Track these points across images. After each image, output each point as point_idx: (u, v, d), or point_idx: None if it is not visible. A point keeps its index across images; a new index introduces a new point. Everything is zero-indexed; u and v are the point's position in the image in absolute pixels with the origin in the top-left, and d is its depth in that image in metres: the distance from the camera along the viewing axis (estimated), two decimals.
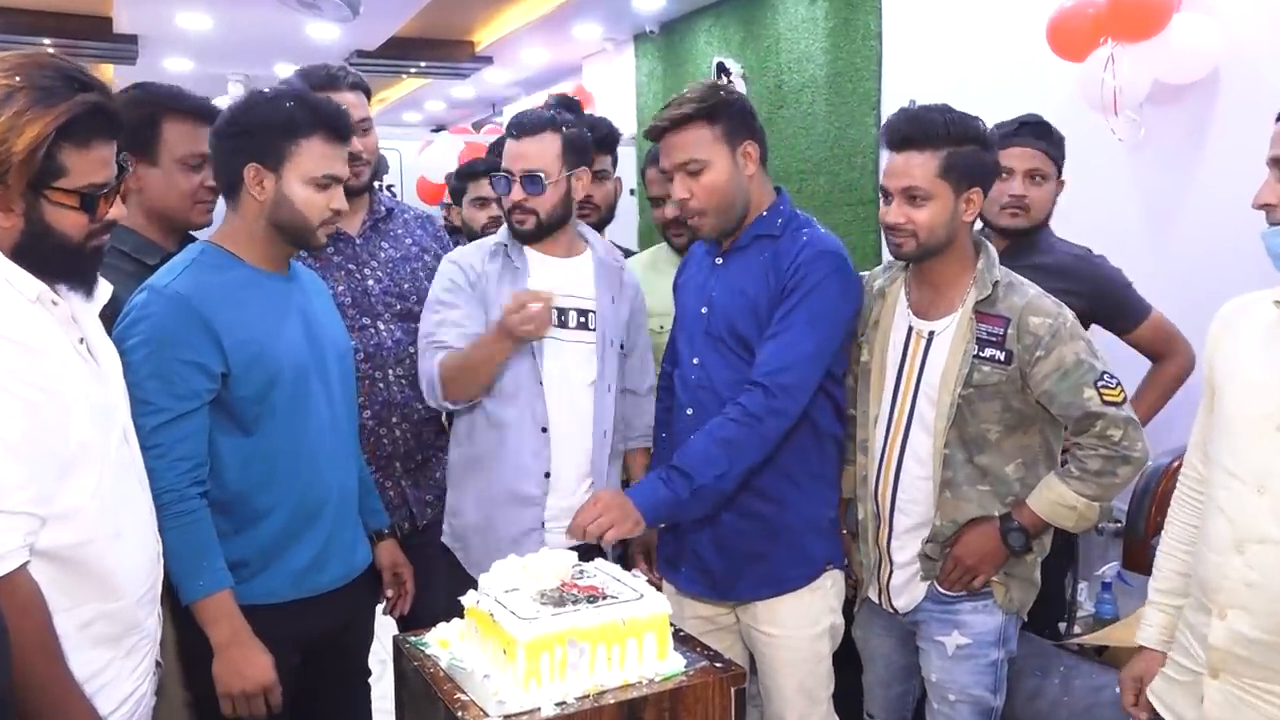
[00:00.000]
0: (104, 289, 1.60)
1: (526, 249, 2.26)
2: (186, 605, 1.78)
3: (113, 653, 1.53)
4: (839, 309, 2.04)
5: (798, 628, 2.11)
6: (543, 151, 2.19)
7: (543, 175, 2.18)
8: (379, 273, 2.44)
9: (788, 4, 5.27)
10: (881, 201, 2.07)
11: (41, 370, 1.37)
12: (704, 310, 2.14)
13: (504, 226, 2.29)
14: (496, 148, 2.66)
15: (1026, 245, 2.63)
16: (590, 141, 2.28)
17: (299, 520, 1.91)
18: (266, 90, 1.95)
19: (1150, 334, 2.64)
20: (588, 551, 2.01)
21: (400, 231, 2.53)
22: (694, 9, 6.07)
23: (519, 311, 2.02)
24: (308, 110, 1.88)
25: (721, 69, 5.72)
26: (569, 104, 2.37)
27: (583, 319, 2.25)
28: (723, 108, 2.04)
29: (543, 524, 2.21)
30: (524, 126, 2.20)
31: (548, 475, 2.20)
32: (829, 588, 2.15)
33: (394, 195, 2.91)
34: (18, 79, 1.37)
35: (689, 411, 2.14)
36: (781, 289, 2.03)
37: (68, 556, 1.42)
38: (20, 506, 1.34)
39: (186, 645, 1.91)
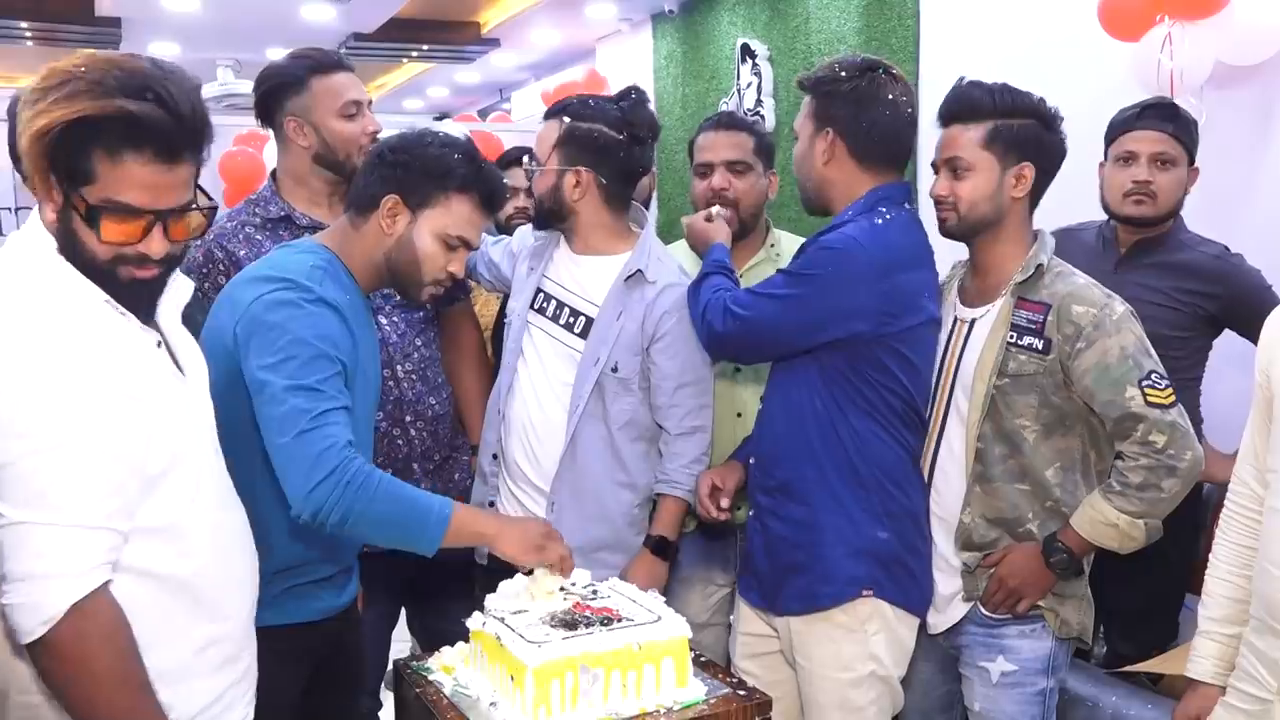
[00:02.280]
0: (184, 286, 1.59)
1: (563, 244, 2.36)
2: (436, 552, 1.78)
3: (231, 677, 1.55)
4: (809, 281, 2.01)
5: (827, 667, 2.07)
6: (545, 136, 2.29)
7: (530, 158, 2.34)
8: None
9: None
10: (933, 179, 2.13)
11: (122, 374, 1.37)
12: None
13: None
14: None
15: (1154, 242, 2.63)
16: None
17: (332, 546, 1.95)
18: (441, 132, 2.01)
19: None
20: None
21: None
22: None
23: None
24: (473, 168, 1.93)
25: (746, 51, 5.72)
26: (624, 96, 2.34)
27: (573, 320, 2.27)
28: (821, 86, 2.11)
29: (491, 504, 2.35)
30: (548, 109, 2.35)
31: (495, 457, 2.35)
32: (865, 629, 2.05)
33: None
34: (83, 69, 1.36)
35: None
36: None
37: (167, 575, 1.43)
38: (101, 521, 1.34)
39: None
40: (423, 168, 1.90)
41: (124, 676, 1.36)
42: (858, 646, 2.06)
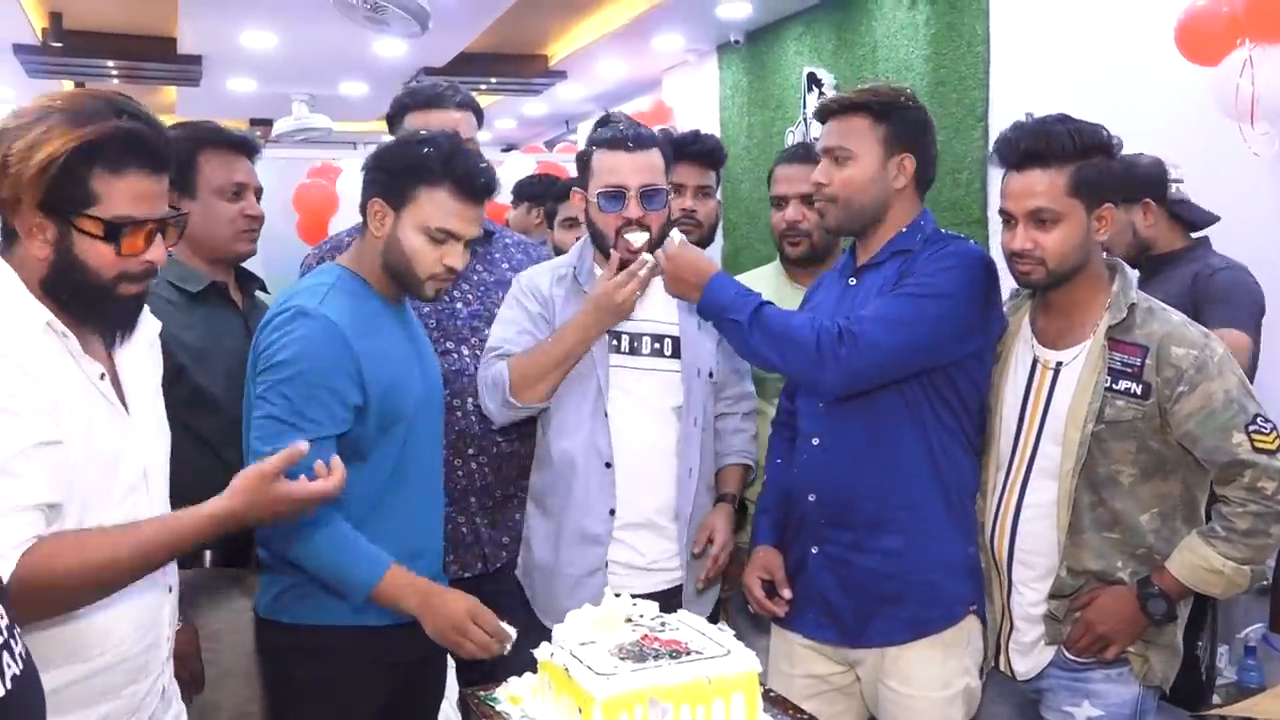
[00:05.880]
0: (150, 326, 1.66)
1: (599, 270, 2.28)
2: (367, 600, 1.90)
3: (106, 708, 1.52)
4: (953, 300, 1.98)
5: (928, 688, 2.05)
6: (658, 165, 2.24)
7: (665, 190, 2.24)
8: (469, 295, 2.51)
9: (885, 8, 5.25)
10: (1002, 226, 2.02)
11: (40, 395, 1.40)
12: None
13: (578, 246, 2.34)
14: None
15: (1169, 260, 2.71)
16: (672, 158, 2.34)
17: (401, 553, 1.99)
18: (422, 132, 2.05)
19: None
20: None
21: (497, 255, 2.60)
22: (782, 16, 6.10)
23: (623, 284, 2.11)
24: (441, 159, 1.95)
25: (813, 80, 5.72)
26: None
27: (658, 344, 2.27)
28: (894, 110, 2.08)
29: (606, 564, 2.24)
30: (639, 139, 2.23)
31: (613, 513, 2.23)
32: (965, 644, 2.09)
33: None
34: (58, 102, 1.45)
35: (815, 441, 2.14)
36: None
37: None
38: (13, 507, 1.35)
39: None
40: (397, 166, 1.96)
41: (85, 580, 1.40)
42: (957, 662, 2.07)
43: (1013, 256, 1.98)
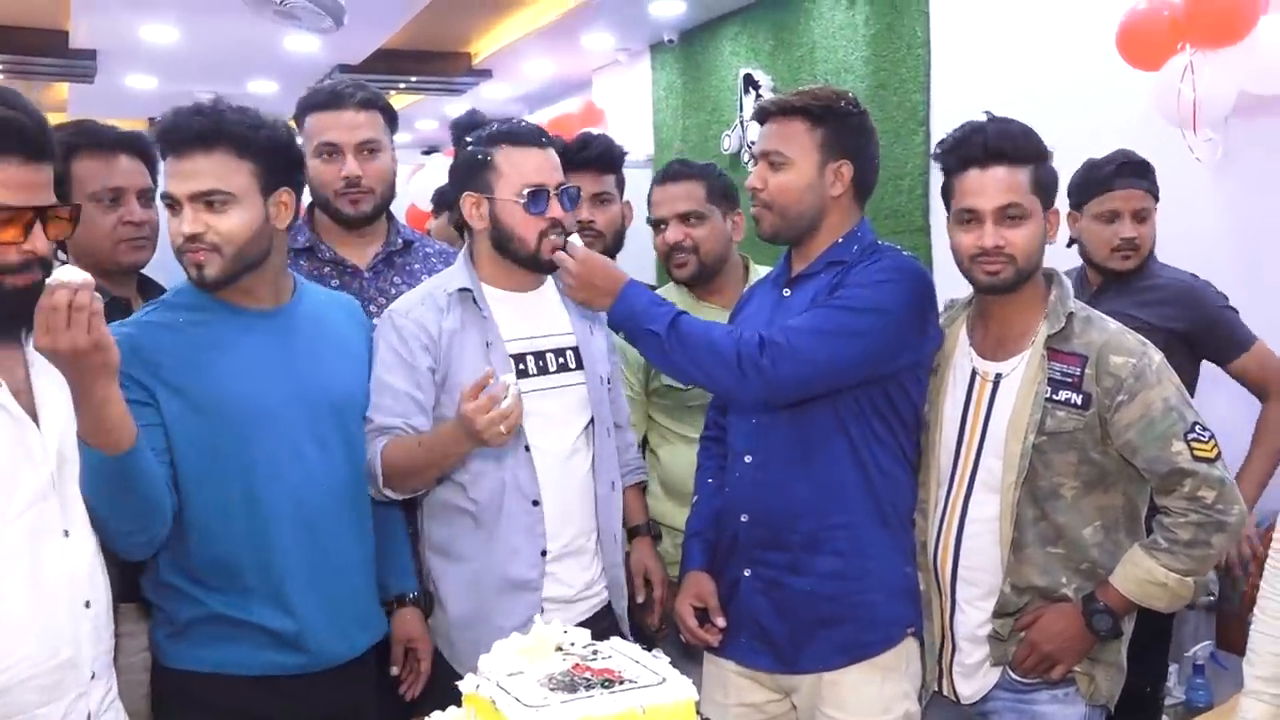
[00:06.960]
0: None
1: (485, 287, 2.18)
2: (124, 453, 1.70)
3: None
4: (888, 315, 1.99)
5: (867, 713, 2.07)
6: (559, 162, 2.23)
7: (576, 185, 2.24)
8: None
9: (823, 9, 5.34)
10: (957, 228, 2.04)
11: None
12: None
13: (459, 265, 2.23)
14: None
15: (1127, 274, 2.77)
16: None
17: (262, 588, 1.92)
18: None
19: (1255, 365, 2.74)
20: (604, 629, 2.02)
21: (417, 267, 2.56)
22: (717, 15, 6.16)
23: (485, 410, 1.84)
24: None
25: (749, 82, 5.79)
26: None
27: (561, 358, 2.22)
28: (833, 115, 2.10)
29: (542, 609, 2.12)
30: (547, 135, 2.19)
31: (544, 554, 2.15)
32: (904, 668, 2.11)
33: None
34: None
35: (747, 459, 2.15)
36: None
37: None
38: None
39: None
40: None
41: None
42: (895, 685, 2.09)
43: (979, 257, 2.01)
